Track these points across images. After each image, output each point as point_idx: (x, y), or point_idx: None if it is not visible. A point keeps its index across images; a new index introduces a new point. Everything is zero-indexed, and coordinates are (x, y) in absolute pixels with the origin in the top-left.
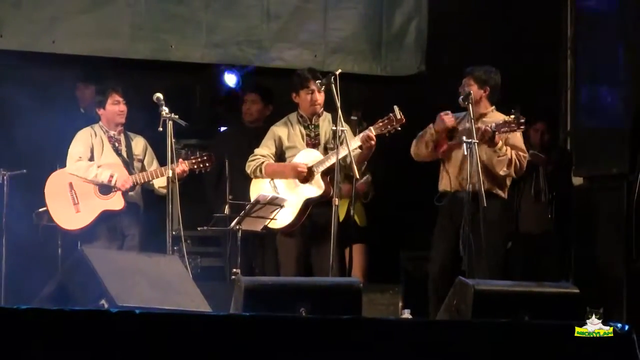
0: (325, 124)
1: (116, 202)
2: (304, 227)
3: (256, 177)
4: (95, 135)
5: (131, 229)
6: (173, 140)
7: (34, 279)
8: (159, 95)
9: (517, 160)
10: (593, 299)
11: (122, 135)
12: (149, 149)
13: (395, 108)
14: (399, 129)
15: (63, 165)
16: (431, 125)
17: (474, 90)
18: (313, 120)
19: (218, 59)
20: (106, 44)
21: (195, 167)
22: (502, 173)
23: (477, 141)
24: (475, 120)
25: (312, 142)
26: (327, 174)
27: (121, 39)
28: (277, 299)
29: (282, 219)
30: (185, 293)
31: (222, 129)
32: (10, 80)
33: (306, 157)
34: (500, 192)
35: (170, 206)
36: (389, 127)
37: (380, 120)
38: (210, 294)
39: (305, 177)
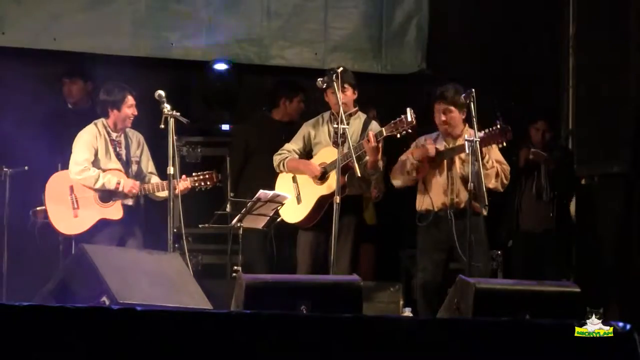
0: (356, 122)
1: (115, 212)
2: (322, 223)
3: (280, 171)
4: (100, 135)
5: (131, 232)
6: (174, 137)
7: (35, 275)
8: (161, 92)
9: (502, 173)
10: (594, 297)
11: (122, 136)
12: (145, 149)
13: (408, 110)
14: (410, 131)
15: (65, 161)
16: (410, 155)
17: (456, 115)
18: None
19: (219, 57)
20: (107, 41)
21: (197, 184)
22: (490, 186)
23: (479, 140)
24: (453, 140)
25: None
26: (344, 172)
27: (122, 37)
28: (278, 297)
29: (296, 214)
30: (186, 290)
31: (224, 126)
32: (7, 77)
33: (325, 155)
34: (483, 210)
35: (171, 204)
36: (399, 128)
37: (392, 121)
38: (211, 291)
39: (321, 176)
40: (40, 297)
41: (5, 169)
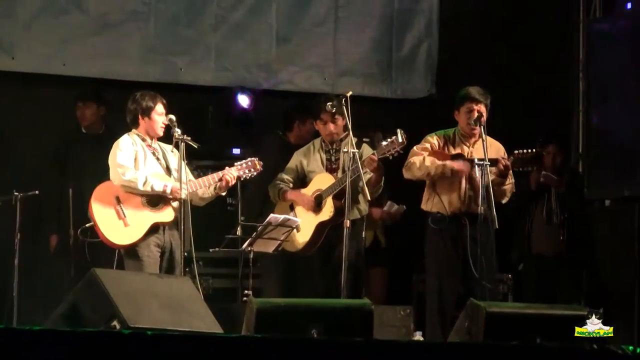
0: (348, 147)
1: (167, 215)
2: (321, 249)
3: (277, 201)
4: (136, 143)
5: (172, 245)
6: (185, 161)
7: (46, 299)
8: (172, 116)
9: (512, 187)
10: (605, 321)
11: (157, 144)
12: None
13: (399, 131)
14: (401, 151)
15: (77, 185)
16: (447, 163)
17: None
18: (334, 145)
19: (227, 82)
20: (116, 66)
21: (242, 172)
22: (503, 202)
23: (489, 163)
24: (472, 144)
25: (332, 167)
26: (340, 197)
27: (131, 62)
28: (289, 321)
29: (297, 242)
30: (197, 314)
31: (235, 150)
32: (17, 102)
33: (320, 182)
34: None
35: (182, 227)
36: (391, 150)
37: (384, 143)
38: (222, 315)
39: (317, 204)
40: (51, 321)
41: (16, 194)
